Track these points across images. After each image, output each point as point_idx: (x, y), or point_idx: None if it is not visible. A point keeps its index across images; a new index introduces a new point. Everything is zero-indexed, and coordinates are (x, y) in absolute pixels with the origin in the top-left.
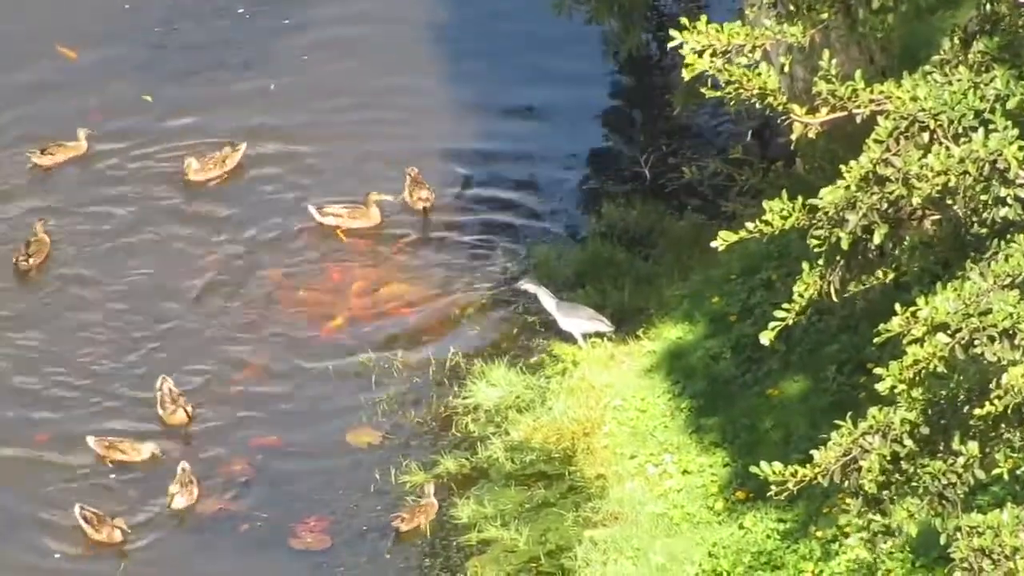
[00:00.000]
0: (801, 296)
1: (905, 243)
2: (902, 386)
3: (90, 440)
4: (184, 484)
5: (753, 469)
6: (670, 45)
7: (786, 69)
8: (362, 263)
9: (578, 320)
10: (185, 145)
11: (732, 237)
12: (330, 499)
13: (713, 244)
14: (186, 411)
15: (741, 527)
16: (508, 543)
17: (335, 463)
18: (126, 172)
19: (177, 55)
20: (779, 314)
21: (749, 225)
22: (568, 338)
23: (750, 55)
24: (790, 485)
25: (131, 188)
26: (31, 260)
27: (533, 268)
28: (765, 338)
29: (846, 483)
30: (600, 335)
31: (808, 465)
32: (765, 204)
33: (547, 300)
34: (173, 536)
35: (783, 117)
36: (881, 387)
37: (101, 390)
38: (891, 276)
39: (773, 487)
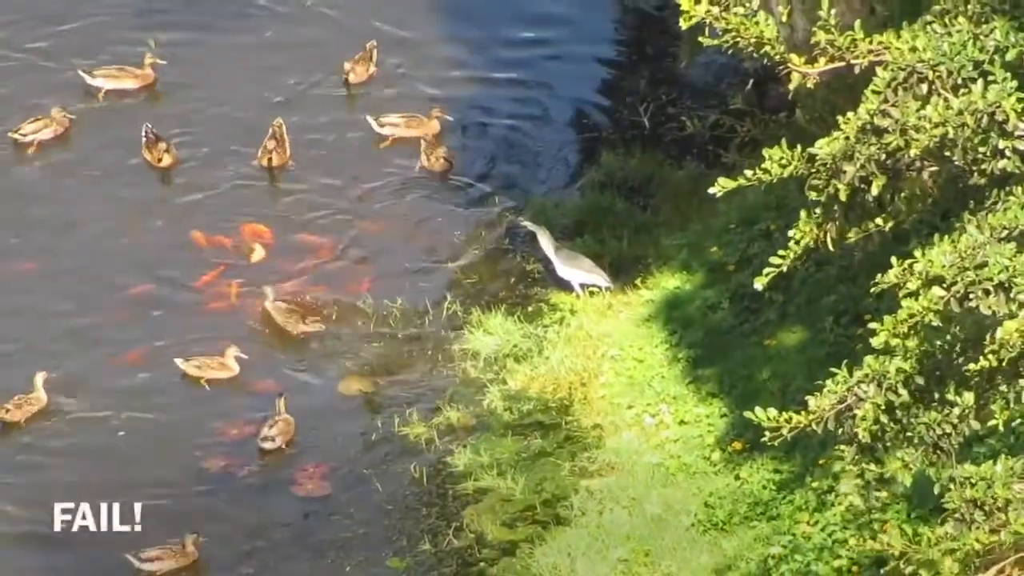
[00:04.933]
0: (797, 244)
1: (903, 193)
2: (896, 340)
3: (179, 362)
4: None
5: (747, 414)
6: None
7: (784, 19)
8: (357, 212)
9: (577, 270)
10: None
11: (730, 184)
12: (328, 447)
13: (711, 190)
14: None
15: (737, 478)
16: (504, 492)
17: (334, 411)
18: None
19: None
20: (774, 260)
21: (748, 173)
22: (565, 286)
23: (748, 3)
24: (784, 431)
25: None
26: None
27: (532, 216)
28: (759, 283)
29: (840, 431)
30: (598, 287)
31: (803, 412)
32: (765, 152)
33: (547, 243)
34: (175, 484)
35: (781, 67)
36: (875, 342)
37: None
38: (889, 224)
39: (768, 433)
